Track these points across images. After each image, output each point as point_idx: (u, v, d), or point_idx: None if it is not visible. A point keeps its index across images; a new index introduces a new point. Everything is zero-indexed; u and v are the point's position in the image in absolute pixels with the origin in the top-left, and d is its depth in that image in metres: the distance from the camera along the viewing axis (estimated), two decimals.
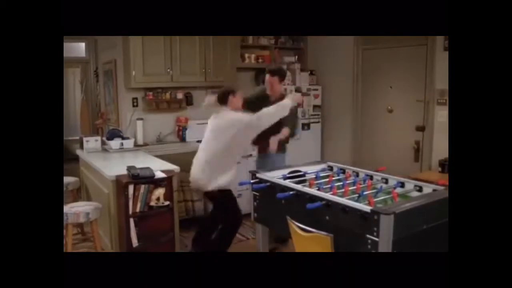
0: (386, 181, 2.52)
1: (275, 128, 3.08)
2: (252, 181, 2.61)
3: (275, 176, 2.59)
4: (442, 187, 2.24)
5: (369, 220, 1.83)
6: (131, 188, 2.67)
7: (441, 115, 3.65)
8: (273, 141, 3.11)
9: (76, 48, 6.05)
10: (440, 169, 3.36)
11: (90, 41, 5.78)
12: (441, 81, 3.61)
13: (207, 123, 4.40)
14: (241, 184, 2.67)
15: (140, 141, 4.12)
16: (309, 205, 2.04)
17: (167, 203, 2.82)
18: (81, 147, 3.86)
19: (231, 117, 2.94)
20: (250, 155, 4.31)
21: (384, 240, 1.79)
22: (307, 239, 1.98)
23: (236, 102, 3.04)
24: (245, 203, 3.12)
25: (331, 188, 2.32)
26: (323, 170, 2.88)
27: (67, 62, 5.26)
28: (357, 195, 2.21)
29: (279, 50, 4.94)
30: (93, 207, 2.77)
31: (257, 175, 2.61)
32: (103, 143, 3.92)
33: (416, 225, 1.91)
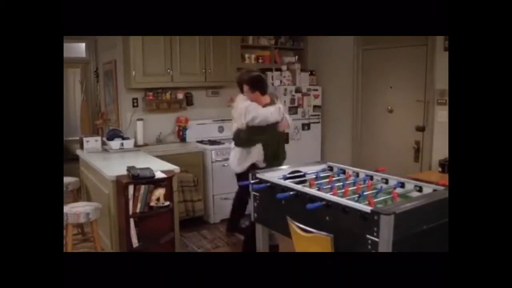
0: (386, 181, 2.52)
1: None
2: (252, 181, 2.61)
3: (275, 176, 2.59)
4: (442, 187, 2.24)
5: (369, 220, 1.83)
6: (131, 188, 2.67)
7: (441, 115, 3.65)
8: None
9: (76, 48, 6.06)
10: (440, 169, 3.36)
11: (90, 41, 5.79)
12: (441, 81, 3.61)
13: (207, 124, 4.45)
14: (240, 184, 2.66)
15: (140, 141, 4.12)
16: (309, 205, 2.04)
17: (167, 203, 2.82)
18: (81, 147, 3.86)
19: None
20: None
21: (384, 240, 1.78)
22: (307, 240, 1.98)
23: (248, 90, 3.13)
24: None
25: (331, 188, 2.31)
26: (323, 170, 2.87)
27: (67, 62, 5.26)
28: (357, 195, 2.21)
29: (279, 50, 4.95)
30: (93, 208, 2.77)
31: (257, 175, 2.61)
32: (103, 143, 3.92)
33: (416, 225, 1.91)
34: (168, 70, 4.02)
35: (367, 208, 1.86)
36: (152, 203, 2.77)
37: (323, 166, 2.95)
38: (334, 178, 2.62)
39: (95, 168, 3.20)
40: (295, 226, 2.05)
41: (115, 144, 3.81)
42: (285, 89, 4.58)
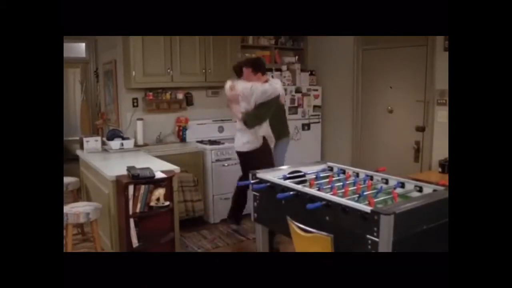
0: (386, 182, 2.52)
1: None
2: (252, 181, 2.61)
3: (275, 176, 2.59)
4: (442, 188, 2.24)
5: (369, 220, 1.83)
6: (131, 188, 2.67)
7: (441, 115, 3.65)
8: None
9: (76, 48, 6.06)
10: (440, 169, 3.36)
11: (90, 41, 5.79)
12: (441, 81, 3.61)
13: (207, 124, 4.45)
14: (240, 184, 2.66)
15: (140, 141, 4.12)
16: (309, 205, 2.04)
17: (167, 203, 2.82)
18: (81, 147, 3.86)
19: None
20: None
21: (384, 240, 1.78)
22: (307, 240, 1.98)
23: (250, 73, 3.35)
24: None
25: (331, 188, 2.32)
26: (323, 170, 2.88)
27: (67, 62, 5.28)
28: (357, 195, 2.21)
29: (279, 50, 4.94)
30: (93, 208, 2.77)
31: (257, 175, 2.61)
32: (103, 143, 3.92)
33: (416, 225, 1.91)
34: (168, 70, 4.02)
35: (367, 208, 1.86)
36: (152, 203, 2.77)
37: (323, 166, 2.95)
38: (334, 178, 2.62)
39: (95, 168, 3.20)
40: (295, 226, 2.05)
41: (115, 144, 3.81)
42: (285, 89, 4.57)
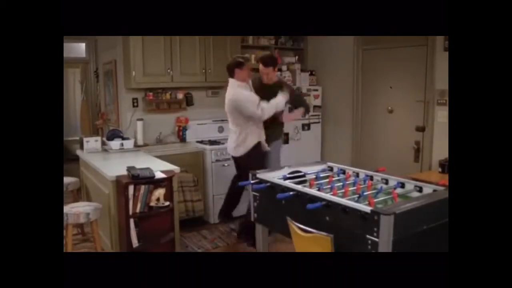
0: (386, 182, 2.52)
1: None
2: (252, 181, 2.61)
3: (275, 176, 2.59)
4: (443, 188, 2.24)
5: (369, 221, 1.83)
6: (131, 188, 2.67)
7: (441, 116, 3.65)
8: (289, 116, 3.59)
9: (76, 48, 6.06)
10: (440, 169, 3.36)
11: (90, 41, 5.79)
12: (441, 81, 3.61)
13: (207, 124, 4.46)
14: (240, 184, 2.66)
15: (140, 141, 4.12)
16: (309, 206, 2.04)
17: (167, 203, 2.82)
18: (81, 147, 3.86)
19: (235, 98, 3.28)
20: None
21: (384, 240, 1.78)
22: (307, 240, 1.98)
23: (242, 74, 3.29)
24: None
25: (331, 188, 2.31)
26: (323, 170, 2.87)
27: (67, 62, 5.28)
28: (357, 195, 2.21)
29: (279, 50, 4.94)
30: (93, 208, 2.77)
31: (257, 175, 2.61)
32: (103, 143, 3.92)
33: (416, 226, 1.91)
34: (168, 70, 4.02)
35: (367, 208, 1.86)
36: (152, 203, 2.77)
37: (323, 166, 2.95)
38: (334, 178, 2.62)
39: (95, 168, 3.20)
40: (295, 227, 2.05)
41: (115, 144, 3.81)
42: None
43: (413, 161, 3.91)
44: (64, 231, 2.69)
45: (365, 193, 2.23)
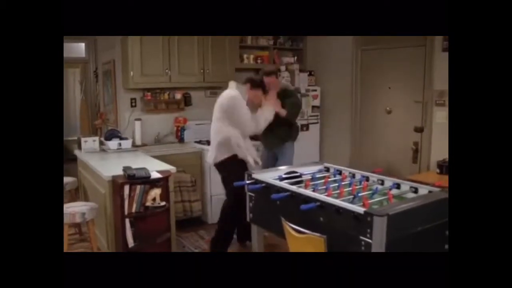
0: (382, 183, 2.51)
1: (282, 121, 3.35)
2: (247, 181, 2.60)
3: (271, 176, 2.58)
4: (438, 189, 2.23)
5: (363, 222, 1.82)
6: (126, 188, 2.67)
7: (440, 116, 3.63)
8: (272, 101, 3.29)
9: (76, 48, 6.06)
10: (438, 170, 3.34)
11: (90, 41, 5.79)
12: (440, 82, 3.59)
13: (205, 124, 4.44)
14: (236, 185, 2.65)
15: (138, 141, 4.12)
16: (303, 206, 2.03)
17: (163, 203, 2.81)
18: (79, 147, 3.86)
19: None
20: None
21: (377, 241, 1.77)
22: (301, 240, 1.97)
23: (249, 94, 3.16)
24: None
25: (326, 189, 2.31)
26: (319, 171, 2.87)
27: (67, 62, 5.28)
28: (352, 196, 2.20)
29: (278, 50, 4.94)
30: (89, 207, 2.77)
31: (253, 175, 2.61)
32: (101, 143, 3.92)
33: (410, 227, 1.90)
34: (166, 71, 4.02)
35: (361, 209, 1.86)
36: (148, 203, 2.77)
37: (320, 167, 2.94)
38: (330, 179, 2.61)
39: (92, 168, 3.20)
40: (289, 227, 2.04)
41: (112, 144, 3.81)
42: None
43: (411, 162, 3.89)
44: None
45: (360, 194, 2.22)
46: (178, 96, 4.33)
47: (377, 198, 2.22)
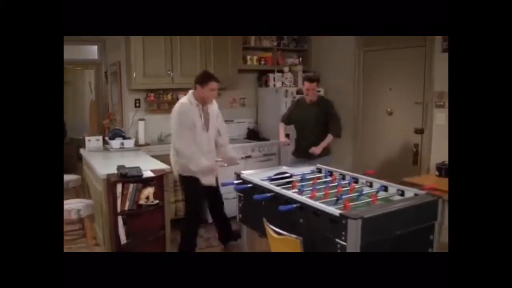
0: (371, 185, 2.49)
1: (316, 130, 3.48)
2: (235, 181, 2.63)
3: (261, 177, 2.60)
4: (424, 192, 2.19)
5: (338, 224, 1.81)
6: (119, 186, 2.73)
7: (440, 118, 3.56)
8: (317, 148, 3.38)
9: (89, 50, 6.24)
10: (437, 172, 3.26)
11: (101, 43, 5.95)
12: (440, 83, 3.51)
13: None
14: (223, 184, 2.68)
15: (141, 141, 4.21)
16: (282, 207, 2.03)
17: (156, 201, 2.87)
18: (84, 146, 3.98)
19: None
20: (250, 156, 4.33)
21: (352, 245, 1.77)
22: (279, 241, 1.98)
23: (201, 93, 3.19)
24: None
25: (311, 190, 2.30)
26: (311, 172, 2.86)
27: (83, 64, 5.45)
28: (335, 198, 2.19)
29: (282, 52, 4.92)
30: (84, 204, 2.86)
31: (241, 175, 2.63)
32: (105, 142, 4.02)
33: (387, 230, 1.88)
34: (169, 72, 4.09)
35: (336, 212, 1.85)
36: (141, 202, 2.83)
37: (312, 167, 2.93)
38: (318, 181, 2.60)
39: (91, 166, 3.29)
40: (269, 228, 2.06)
41: (115, 143, 3.90)
42: (286, 91, 4.57)
43: (411, 163, 3.82)
44: None
45: (344, 196, 2.21)
46: (181, 97, 4.37)
47: (364, 200, 2.21)
